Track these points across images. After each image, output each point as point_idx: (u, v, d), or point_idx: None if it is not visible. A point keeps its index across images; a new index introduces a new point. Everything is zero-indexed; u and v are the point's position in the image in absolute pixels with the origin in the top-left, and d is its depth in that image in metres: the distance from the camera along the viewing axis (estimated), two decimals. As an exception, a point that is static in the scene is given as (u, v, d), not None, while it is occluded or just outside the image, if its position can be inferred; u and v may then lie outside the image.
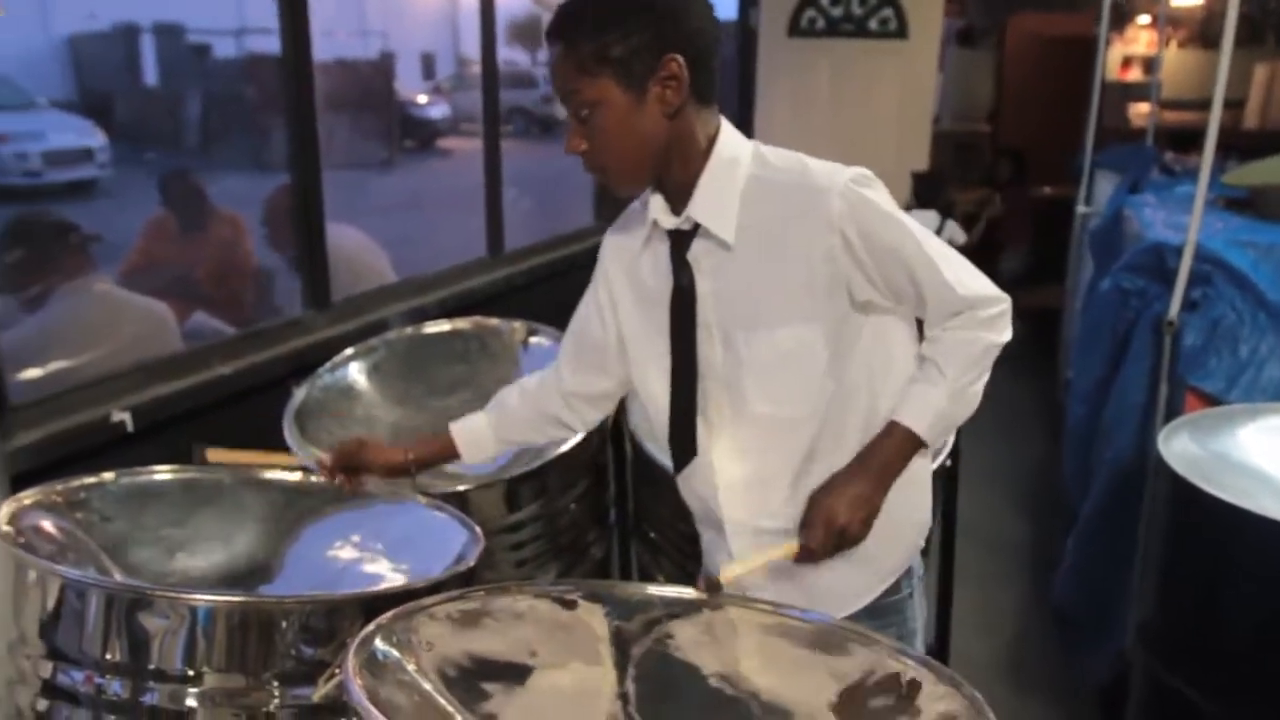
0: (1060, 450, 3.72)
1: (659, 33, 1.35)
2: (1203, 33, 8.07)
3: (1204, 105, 2.64)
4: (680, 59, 1.35)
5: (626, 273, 1.55)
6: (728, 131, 1.45)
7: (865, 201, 1.37)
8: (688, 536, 2.10)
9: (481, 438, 1.70)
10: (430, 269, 3.33)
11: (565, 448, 2.17)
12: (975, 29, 8.96)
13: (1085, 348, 3.33)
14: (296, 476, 1.83)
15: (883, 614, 1.54)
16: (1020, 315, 1.48)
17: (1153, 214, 3.49)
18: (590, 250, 1.64)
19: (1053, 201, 6.42)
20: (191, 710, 1.33)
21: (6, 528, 1.48)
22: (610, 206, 1.64)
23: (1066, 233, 5.29)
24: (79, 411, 2.06)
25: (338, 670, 1.14)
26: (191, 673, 1.33)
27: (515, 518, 2.14)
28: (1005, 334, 1.44)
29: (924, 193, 5.39)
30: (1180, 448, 2.09)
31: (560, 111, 1.45)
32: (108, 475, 1.73)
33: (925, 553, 1.67)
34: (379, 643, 1.19)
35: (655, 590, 1.46)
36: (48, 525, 1.58)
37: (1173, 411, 2.50)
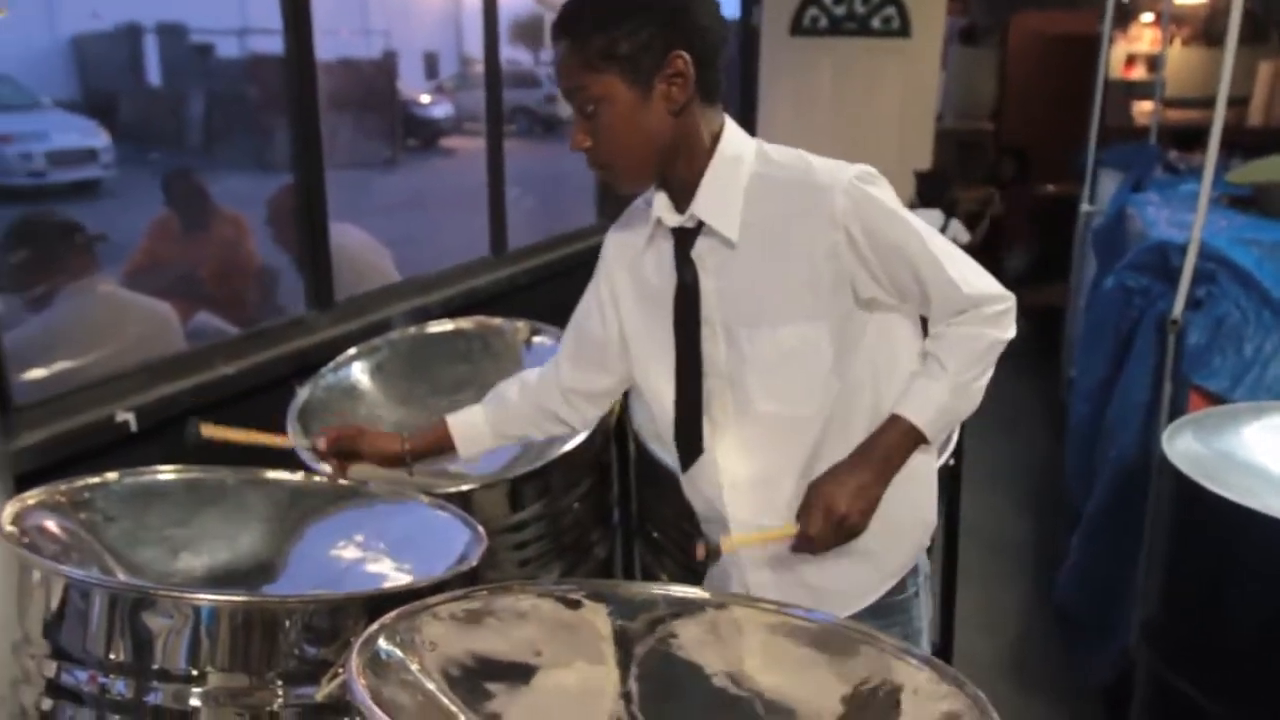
0: (1063, 449, 3.72)
1: (666, 29, 1.35)
2: (1206, 30, 8.06)
3: (1208, 103, 2.64)
4: (687, 56, 1.35)
5: (630, 270, 1.55)
6: (731, 129, 1.45)
7: (869, 198, 1.37)
8: (691, 536, 2.10)
9: (478, 432, 1.70)
10: (433, 268, 3.33)
11: (569, 447, 2.17)
12: (978, 27, 8.94)
13: (1089, 346, 3.33)
14: (299, 476, 1.83)
15: (888, 613, 1.54)
16: (1024, 314, 1.48)
17: (1156, 212, 3.49)
18: (593, 249, 1.64)
19: (1056, 200, 6.42)
20: (195, 710, 1.33)
21: (11, 528, 1.48)
22: (613, 205, 1.64)
23: (1070, 231, 5.28)
24: (83, 411, 2.06)
25: (341, 670, 1.14)
26: (195, 672, 1.33)
27: (518, 517, 2.14)
28: (1009, 331, 1.44)
29: (928, 191, 5.39)
30: (1184, 446, 2.09)
31: (564, 111, 1.45)
32: (111, 475, 1.73)
33: (928, 552, 1.67)
34: (382, 642, 1.19)
35: (658, 589, 1.46)
36: (52, 525, 1.58)
37: (1177, 410, 2.49)
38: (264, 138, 10.23)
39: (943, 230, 4.94)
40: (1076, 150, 5.34)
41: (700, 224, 1.44)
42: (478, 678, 1.26)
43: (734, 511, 1.52)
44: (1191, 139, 5.07)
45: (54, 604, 1.38)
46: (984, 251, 5.53)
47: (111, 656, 1.34)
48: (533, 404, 1.69)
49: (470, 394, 2.42)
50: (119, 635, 1.33)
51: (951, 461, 2.25)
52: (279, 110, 2.93)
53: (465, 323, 2.70)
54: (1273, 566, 1.84)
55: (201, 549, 1.76)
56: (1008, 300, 1.43)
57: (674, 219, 1.46)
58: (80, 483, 1.68)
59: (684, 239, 1.46)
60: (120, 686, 1.34)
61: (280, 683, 1.34)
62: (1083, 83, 5.36)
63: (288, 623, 1.34)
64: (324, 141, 2.72)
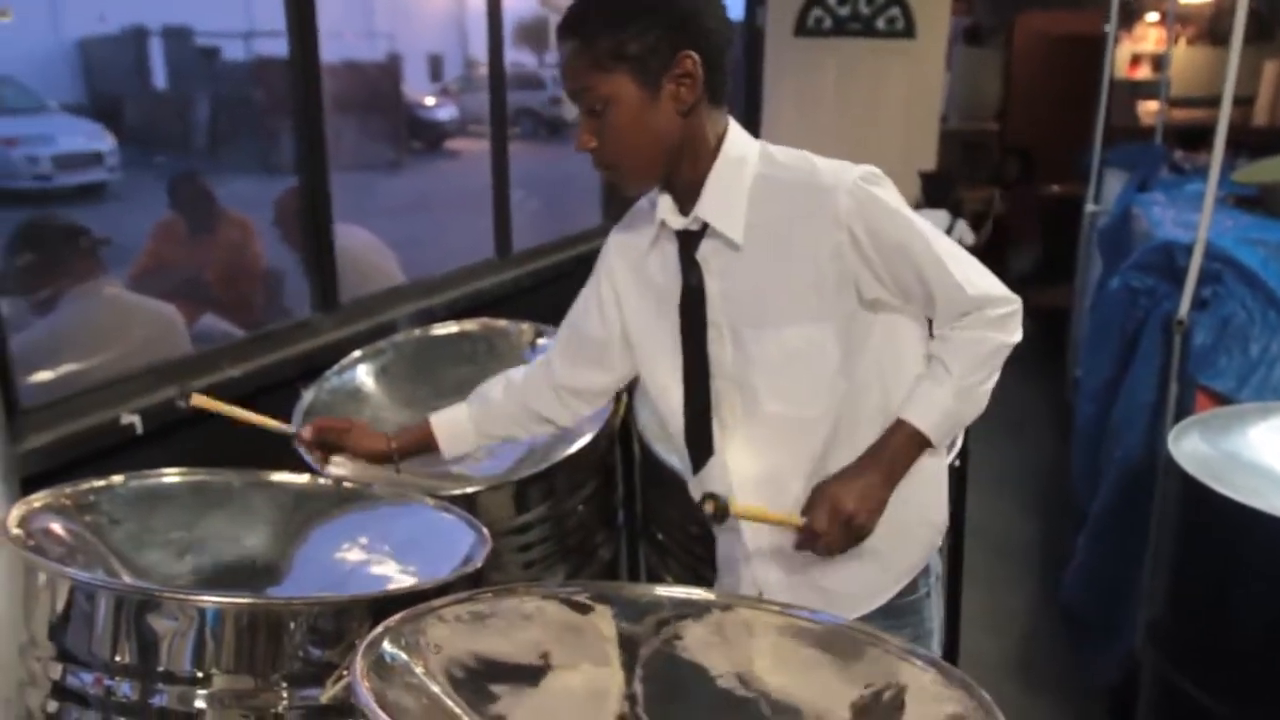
0: (1069, 451, 3.71)
1: (675, 30, 1.35)
2: (1211, 30, 8.05)
3: (1213, 102, 2.63)
4: (696, 57, 1.35)
5: (634, 271, 1.55)
6: (735, 131, 1.45)
7: (873, 199, 1.37)
8: (696, 538, 2.10)
9: (462, 431, 1.70)
10: (438, 270, 3.33)
11: (573, 449, 2.17)
12: (983, 27, 8.94)
13: (1094, 347, 3.32)
14: (304, 478, 1.84)
15: (899, 614, 1.54)
16: (1029, 315, 1.48)
17: (1162, 212, 3.48)
18: (598, 251, 1.64)
19: (1061, 200, 6.41)
20: (200, 711, 1.34)
21: (17, 531, 1.48)
22: (618, 208, 1.64)
23: (1075, 231, 5.28)
24: (89, 414, 2.06)
25: (345, 672, 1.15)
26: (200, 674, 1.33)
27: (523, 519, 2.13)
28: (1015, 335, 1.43)
29: (933, 192, 5.39)
30: (1190, 447, 2.08)
31: (569, 113, 1.45)
32: (117, 478, 1.73)
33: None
34: (387, 645, 1.19)
35: (663, 591, 1.46)
36: (57, 528, 1.59)
37: (1183, 411, 2.49)
38: (269, 140, 10.24)
39: (949, 231, 4.95)
40: (1081, 150, 5.33)
41: (705, 226, 1.44)
42: (482, 680, 1.26)
43: (744, 504, 1.52)
44: (1197, 138, 5.06)
45: (60, 606, 1.38)
46: (988, 252, 5.53)
47: (117, 659, 1.34)
48: (517, 404, 1.69)
49: (475, 396, 2.43)
50: (124, 637, 1.34)
51: (957, 463, 2.24)
52: (284, 113, 2.93)
53: (470, 325, 2.70)
54: (1278, 567, 1.83)
55: (206, 551, 1.77)
56: (1013, 303, 1.43)
57: (678, 221, 1.46)
58: (86, 485, 1.69)
59: (688, 241, 1.46)
60: (125, 688, 1.34)
61: (285, 685, 1.35)
62: (1087, 83, 5.35)
63: (292, 625, 1.35)
64: (329, 144, 2.72)
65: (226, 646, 1.33)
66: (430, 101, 17.38)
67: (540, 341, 2.64)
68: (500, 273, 3.50)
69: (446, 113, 16.84)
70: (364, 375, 2.49)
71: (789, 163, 1.43)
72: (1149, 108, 7.28)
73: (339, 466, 1.82)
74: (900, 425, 1.43)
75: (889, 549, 1.49)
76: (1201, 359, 2.52)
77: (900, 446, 1.44)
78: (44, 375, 2.36)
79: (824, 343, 1.42)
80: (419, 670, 1.20)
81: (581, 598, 1.40)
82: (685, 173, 1.43)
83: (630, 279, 1.56)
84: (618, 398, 2.30)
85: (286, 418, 2.15)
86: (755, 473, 1.51)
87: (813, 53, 5.59)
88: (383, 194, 10.12)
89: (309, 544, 1.81)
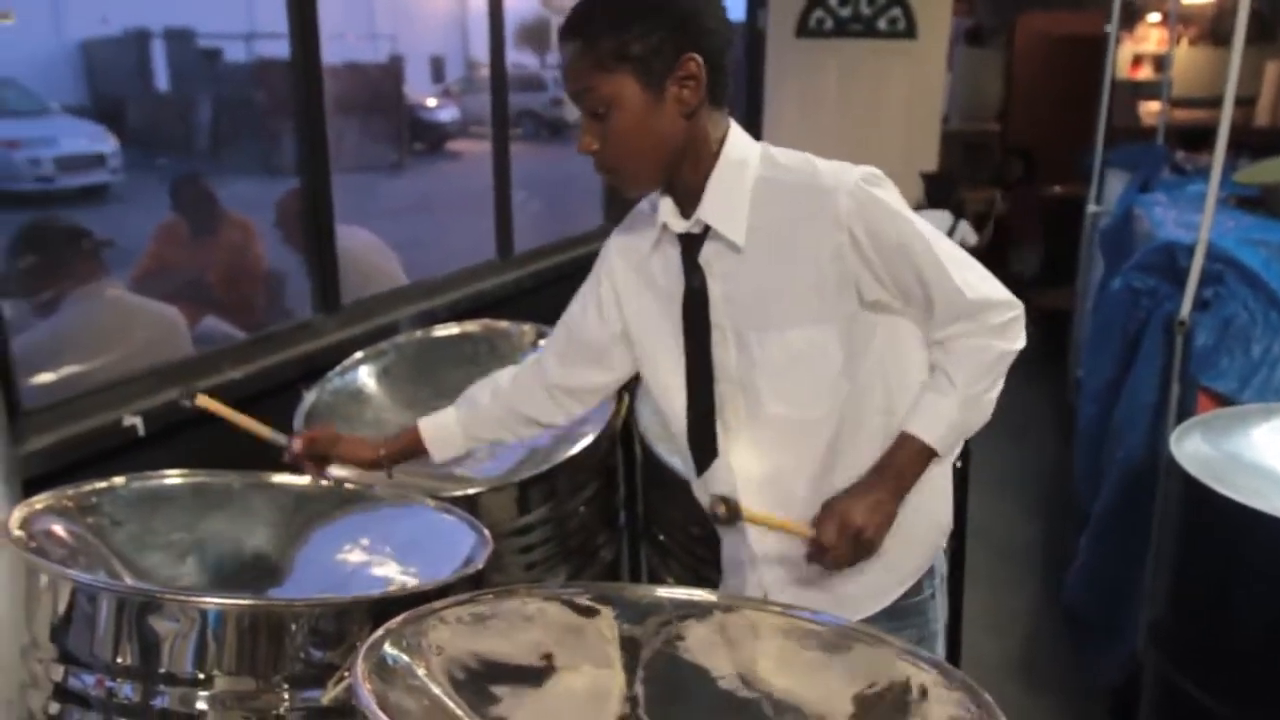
0: (1071, 452, 3.71)
1: (679, 32, 1.35)
2: (1213, 30, 8.05)
3: (1215, 103, 2.63)
4: (699, 59, 1.35)
5: (635, 273, 1.55)
6: (736, 133, 1.45)
7: (874, 200, 1.37)
8: (697, 539, 2.10)
9: (450, 435, 1.70)
10: (440, 271, 3.33)
11: (575, 450, 2.17)
12: (984, 28, 8.94)
13: (1096, 347, 3.32)
14: (305, 480, 1.84)
15: (904, 615, 1.54)
16: (1032, 318, 1.47)
17: (1164, 213, 3.48)
18: (599, 253, 1.64)
19: (1063, 201, 6.41)
20: (202, 713, 1.34)
21: (18, 532, 1.49)
22: (619, 209, 1.64)
23: (1077, 232, 5.27)
24: (91, 416, 2.07)
25: (347, 673, 1.15)
26: (202, 676, 1.33)
27: (524, 520, 2.14)
28: (1018, 341, 1.43)
29: (935, 193, 5.39)
30: (1192, 448, 2.08)
31: (570, 114, 1.45)
32: (118, 479, 1.73)
33: (939, 553, 1.66)
34: (388, 647, 1.19)
35: (665, 592, 1.46)
36: (59, 529, 1.59)
37: (1184, 412, 2.49)
38: (271, 142, 10.25)
39: (951, 232, 4.95)
40: (1083, 151, 5.33)
41: (707, 229, 1.44)
42: (484, 681, 1.26)
43: (748, 506, 1.52)
44: (1198, 139, 5.06)
45: (61, 608, 1.38)
46: (990, 253, 5.52)
47: (119, 660, 1.34)
48: (504, 408, 1.69)
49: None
50: (126, 639, 1.34)
51: (959, 464, 2.23)
52: (286, 114, 2.93)
53: (472, 326, 2.70)
54: (1281, 568, 1.83)
55: (208, 553, 1.77)
56: (1014, 309, 1.42)
57: (680, 224, 1.46)
58: (87, 487, 1.69)
59: (691, 244, 1.46)
60: (127, 690, 1.34)
61: (286, 686, 1.35)
62: (1089, 83, 5.35)
63: (294, 626, 1.35)
64: (331, 145, 2.72)
65: (228, 648, 1.33)
66: (432, 103, 17.39)
67: (542, 343, 2.64)
68: (502, 274, 3.50)
69: (448, 114, 16.85)
70: (366, 377, 2.49)
71: (790, 164, 1.43)
72: (1150, 108, 7.28)
73: (339, 468, 1.82)
74: (906, 439, 1.43)
75: (894, 551, 1.49)
76: (1203, 360, 2.52)
77: (907, 461, 1.44)
78: (46, 377, 2.36)
79: (826, 344, 1.42)
80: (420, 672, 1.20)
81: (583, 599, 1.40)
82: (687, 175, 1.43)
83: (631, 280, 1.56)
84: (619, 398, 2.30)
85: (287, 425, 2.16)
86: (759, 474, 1.51)
87: (814, 54, 5.59)
88: (384, 195, 10.14)
89: (310, 545, 1.81)
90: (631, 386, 2.29)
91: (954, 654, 2.53)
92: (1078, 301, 5.15)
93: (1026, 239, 7.19)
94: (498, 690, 1.26)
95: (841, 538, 1.40)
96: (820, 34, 5.58)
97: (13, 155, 9.95)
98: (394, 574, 1.72)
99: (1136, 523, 2.56)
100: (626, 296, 1.56)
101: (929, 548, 1.57)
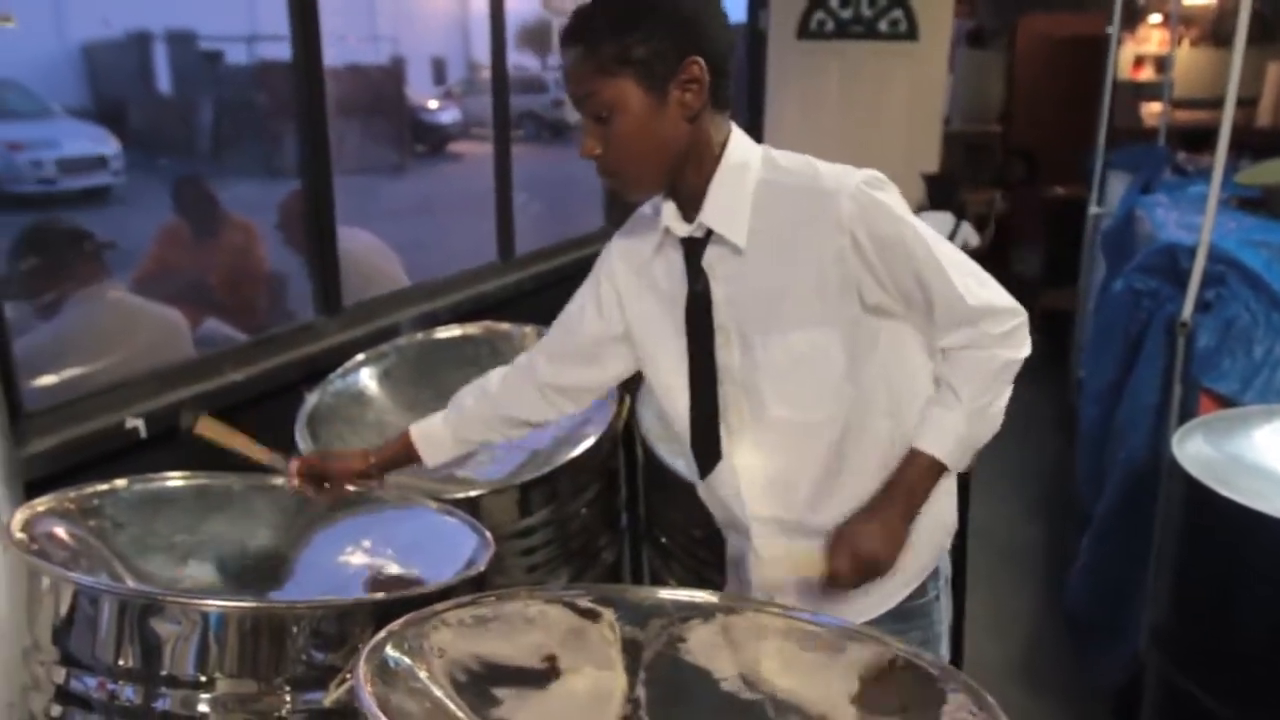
0: (1073, 453, 3.70)
1: (681, 35, 1.34)
2: (1215, 31, 8.04)
3: (1216, 104, 2.63)
4: (702, 62, 1.35)
5: (637, 276, 1.55)
6: (738, 136, 1.44)
7: (876, 203, 1.37)
8: (699, 541, 2.10)
9: (439, 439, 1.69)
10: (442, 273, 3.34)
11: (576, 452, 2.17)
12: (985, 30, 8.93)
13: (1098, 349, 3.32)
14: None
15: (909, 617, 1.54)
16: (1034, 319, 1.47)
17: (1165, 214, 3.48)
18: (600, 255, 1.64)
19: (1065, 202, 6.40)
20: (204, 715, 1.34)
21: (20, 535, 1.49)
22: (621, 211, 1.64)
23: (1079, 233, 5.27)
24: (93, 418, 2.07)
25: (349, 675, 1.15)
26: (203, 678, 1.34)
27: (526, 522, 2.14)
28: (1022, 349, 1.42)
29: (937, 195, 5.38)
30: (1194, 449, 2.08)
31: (571, 116, 1.44)
32: (120, 482, 1.74)
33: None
34: (390, 650, 1.19)
35: (666, 594, 1.46)
36: (61, 532, 1.59)
37: (1186, 413, 2.48)
38: (273, 144, 10.25)
39: (953, 233, 4.94)
40: (1085, 152, 5.32)
41: (709, 232, 1.44)
42: (486, 683, 1.26)
43: (752, 509, 1.52)
44: (1200, 140, 5.05)
45: (63, 610, 1.38)
46: (991, 254, 5.52)
47: (120, 663, 1.34)
48: (492, 409, 1.68)
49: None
50: (128, 641, 1.34)
51: (960, 465, 2.24)
52: (287, 116, 2.93)
53: (473, 328, 2.71)
54: (1284, 570, 1.83)
55: (209, 555, 1.77)
56: (1017, 316, 1.41)
57: (683, 228, 1.45)
58: (89, 489, 1.69)
59: (693, 248, 1.46)
60: (129, 692, 1.35)
61: (288, 688, 1.35)
62: (1091, 84, 5.35)
63: (295, 629, 1.35)
64: (332, 147, 2.72)
65: (230, 650, 1.34)
66: (433, 104, 17.38)
67: (543, 344, 2.64)
68: (503, 276, 3.50)
69: (449, 116, 16.84)
70: (367, 379, 2.49)
71: (791, 167, 1.43)
72: (1152, 109, 7.27)
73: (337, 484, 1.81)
74: (915, 455, 1.43)
75: (902, 555, 1.49)
76: (1205, 361, 2.52)
77: (917, 478, 1.44)
78: (48, 379, 2.36)
79: (829, 347, 1.42)
80: (422, 674, 1.20)
81: (585, 601, 1.40)
82: (689, 179, 1.43)
83: (633, 283, 1.56)
84: (620, 400, 2.31)
85: (288, 428, 2.16)
86: (763, 476, 1.51)
87: (815, 56, 5.59)
88: (386, 197, 10.13)
89: (312, 547, 1.82)
90: (633, 388, 2.30)
91: (956, 656, 2.53)
92: (1080, 303, 5.14)
93: (1029, 240, 7.18)
94: (499, 692, 1.26)
95: (855, 569, 1.41)
96: (821, 36, 5.58)
97: (15, 157, 9.96)
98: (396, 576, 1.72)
99: (1138, 524, 2.56)
100: (628, 299, 1.56)
101: (934, 549, 1.56)
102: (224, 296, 3.54)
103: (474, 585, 1.52)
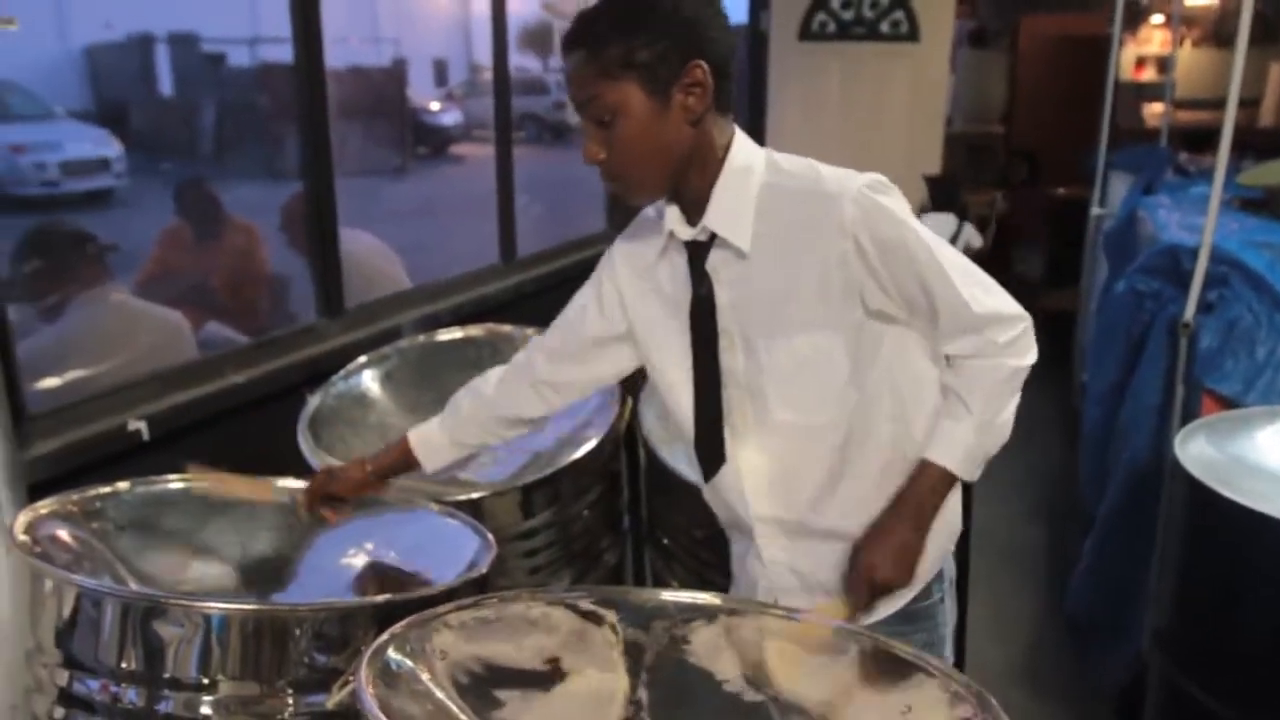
0: (1075, 454, 3.70)
1: (684, 39, 1.34)
2: (1217, 31, 8.04)
3: (1218, 104, 2.62)
4: (705, 65, 1.35)
5: (642, 279, 1.55)
6: (741, 139, 1.44)
7: (879, 208, 1.36)
8: (701, 543, 2.10)
9: (437, 443, 1.69)
10: (444, 275, 3.34)
11: (579, 454, 2.17)
12: (987, 30, 8.92)
13: (1100, 350, 3.32)
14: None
15: (913, 619, 1.54)
16: (1037, 319, 1.46)
17: (1167, 215, 3.48)
18: (603, 257, 1.64)
19: (1067, 203, 6.40)
20: (206, 718, 1.34)
21: (23, 537, 1.49)
22: (623, 212, 1.64)
23: (1081, 234, 5.26)
24: (95, 421, 2.07)
25: (351, 678, 1.15)
26: (206, 680, 1.34)
27: (528, 525, 2.14)
28: (1028, 356, 1.42)
29: (939, 196, 5.38)
30: (1197, 451, 2.08)
31: (573, 117, 1.44)
32: (123, 484, 1.74)
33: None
34: (392, 652, 1.19)
35: (669, 596, 1.46)
36: (64, 534, 1.59)
37: (1189, 414, 2.48)
38: (275, 146, 10.28)
39: (955, 235, 4.93)
40: (1087, 153, 5.32)
41: (713, 236, 1.43)
42: (488, 686, 1.26)
43: (756, 509, 1.52)
44: (1202, 141, 5.05)
45: (66, 613, 1.38)
46: (993, 255, 5.52)
47: (123, 665, 1.35)
48: (487, 412, 1.68)
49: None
50: (131, 644, 1.34)
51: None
52: (289, 119, 2.94)
53: (475, 330, 2.71)
54: (1287, 571, 1.83)
55: (212, 557, 1.77)
56: (1022, 322, 1.41)
57: (687, 232, 1.45)
58: (92, 492, 1.70)
59: (697, 252, 1.46)
60: (132, 695, 1.35)
61: (291, 691, 1.35)
62: (1093, 85, 5.33)
63: (298, 631, 1.35)
64: (334, 149, 2.72)
65: (232, 653, 1.34)
66: (435, 106, 17.40)
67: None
68: (505, 278, 3.50)
69: (451, 118, 16.86)
70: (369, 381, 2.49)
71: (795, 171, 1.42)
72: (1154, 110, 7.27)
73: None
74: (927, 467, 1.44)
75: None
76: (1207, 362, 2.52)
77: (929, 489, 1.44)
78: (51, 381, 2.37)
79: (832, 351, 1.42)
80: (424, 676, 1.20)
81: (587, 603, 1.40)
82: (693, 182, 1.42)
83: (637, 285, 1.55)
84: (623, 402, 2.31)
85: (291, 430, 2.16)
86: (768, 479, 1.51)
87: (817, 57, 5.59)
88: (387, 199, 10.16)
89: (314, 550, 1.82)
90: (635, 390, 2.30)
91: (958, 658, 2.53)
92: (1082, 304, 5.14)
93: (1032, 240, 7.17)
94: (502, 695, 1.26)
95: (873, 596, 1.42)
96: (823, 37, 5.58)
97: (18, 160, 9.99)
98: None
99: (1141, 525, 2.56)
100: (632, 300, 1.56)
101: (939, 551, 1.56)
102: (226, 299, 3.55)
103: (476, 587, 1.52)
